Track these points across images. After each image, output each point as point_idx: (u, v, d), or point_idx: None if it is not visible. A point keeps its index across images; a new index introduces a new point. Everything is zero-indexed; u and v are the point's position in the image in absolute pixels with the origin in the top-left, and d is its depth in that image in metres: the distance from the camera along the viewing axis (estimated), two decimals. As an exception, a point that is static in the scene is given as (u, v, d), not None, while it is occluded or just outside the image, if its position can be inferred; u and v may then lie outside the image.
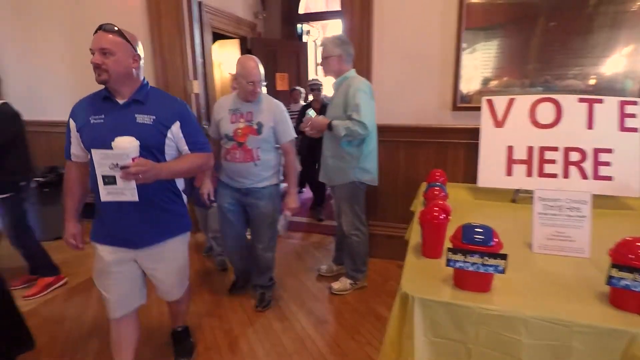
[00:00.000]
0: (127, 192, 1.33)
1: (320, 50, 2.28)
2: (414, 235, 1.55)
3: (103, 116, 1.44)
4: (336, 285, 2.47)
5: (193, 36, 3.30)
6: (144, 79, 1.53)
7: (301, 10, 6.01)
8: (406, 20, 2.56)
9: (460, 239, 1.12)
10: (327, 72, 2.29)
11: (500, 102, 2.11)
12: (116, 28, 1.40)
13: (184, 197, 1.66)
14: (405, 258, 1.38)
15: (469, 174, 2.48)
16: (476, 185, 2.10)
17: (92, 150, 1.30)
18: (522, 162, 2.03)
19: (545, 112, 2.02)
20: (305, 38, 6.16)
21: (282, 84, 5.75)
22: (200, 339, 2.06)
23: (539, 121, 2.02)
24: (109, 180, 1.31)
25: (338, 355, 1.92)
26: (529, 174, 2.02)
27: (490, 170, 2.08)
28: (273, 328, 2.14)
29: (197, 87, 3.36)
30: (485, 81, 2.50)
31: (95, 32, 1.39)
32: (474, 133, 2.22)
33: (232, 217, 2.24)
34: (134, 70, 1.45)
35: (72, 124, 1.49)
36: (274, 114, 2.13)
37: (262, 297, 2.34)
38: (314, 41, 6.59)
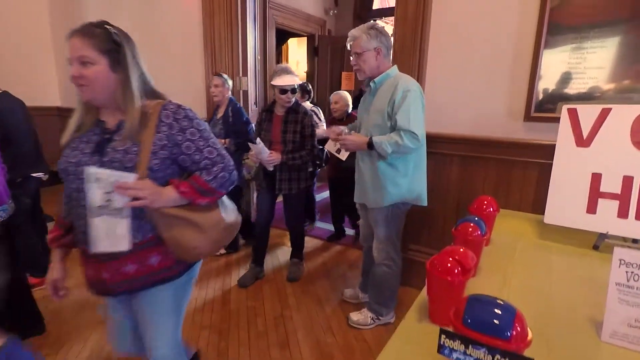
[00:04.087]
0: None
1: (349, 45, 1.88)
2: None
3: None
4: (355, 316, 2.13)
5: (246, 32, 3.19)
6: None
7: (376, 5, 5.65)
8: (473, 5, 2.10)
9: (461, 318, 0.74)
10: (361, 73, 1.89)
11: (588, 112, 1.55)
12: None
13: None
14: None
15: (541, 203, 1.93)
16: (545, 220, 1.58)
17: None
18: (613, 196, 1.47)
19: (659, 130, 1.42)
20: (377, 35, 5.78)
21: (348, 83, 5.49)
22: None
23: (646, 142, 1.44)
24: None
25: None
26: (623, 214, 1.45)
27: (564, 204, 1.55)
28: (270, 355, 1.89)
29: (245, 84, 3.26)
30: (578, 82, 1.92)
31: None
32: (553, 151, 1.69)
33: None
34: None
35: None
36: None
37: None
38: (392, 38, 6.17)
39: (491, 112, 2.12)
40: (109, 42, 1.05)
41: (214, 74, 2.86)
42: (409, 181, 1.91)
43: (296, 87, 2.42)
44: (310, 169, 3.15)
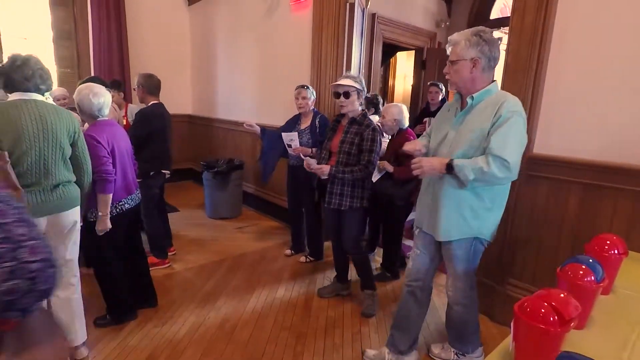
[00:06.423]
0: None
1: (448, 50, 1.66)
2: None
3: None
4: (436, 349, 1.95)
5: (351, 47, 3.28)
6: None
7: (494, 15, 5.24)
8: (609, 9, 1.79)
9: (547, 377, 0.62)
10: (451, 83, 1.69)
11: None
12: None
13: None
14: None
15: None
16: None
17: None
18: None
19: None
20: (493, 47, 5.34)
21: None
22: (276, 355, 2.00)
23: None
24: None
25: None
26: None
27: None
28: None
29: (345, 96, 3.34)
30: None
31: None
32: None
33: None
34: None
35: None
36: None
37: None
38: (505, 50, 5.64)
39: (627, 135, 1.75)
40: None
41: (299, 85, 2.92)
42: (492, 217, 1.66)
43: (351, 92, 2.21)
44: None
